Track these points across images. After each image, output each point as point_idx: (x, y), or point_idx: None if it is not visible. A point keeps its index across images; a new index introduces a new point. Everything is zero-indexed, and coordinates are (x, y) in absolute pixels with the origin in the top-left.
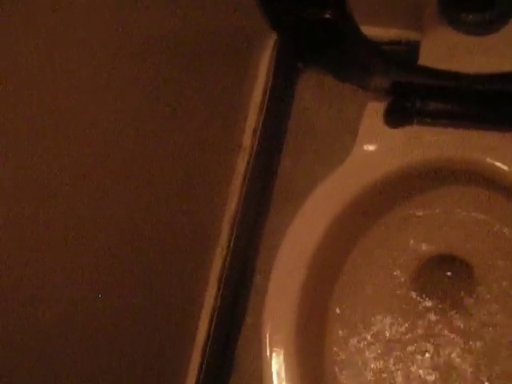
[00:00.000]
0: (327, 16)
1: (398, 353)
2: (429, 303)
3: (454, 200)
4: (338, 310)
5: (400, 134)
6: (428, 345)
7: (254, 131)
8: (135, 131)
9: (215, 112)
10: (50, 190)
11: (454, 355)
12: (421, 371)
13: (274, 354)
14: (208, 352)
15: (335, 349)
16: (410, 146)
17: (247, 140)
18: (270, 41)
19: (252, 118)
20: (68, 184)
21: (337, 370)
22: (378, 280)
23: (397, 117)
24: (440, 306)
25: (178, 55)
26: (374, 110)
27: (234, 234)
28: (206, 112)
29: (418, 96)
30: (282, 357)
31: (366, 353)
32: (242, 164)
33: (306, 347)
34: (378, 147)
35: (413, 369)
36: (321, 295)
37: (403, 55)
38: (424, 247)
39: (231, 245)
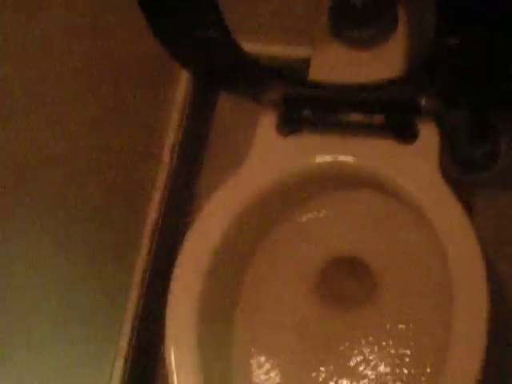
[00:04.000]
0: (211, 35)
1: (301, 361)
2: (330, 308)
3: (348, 203)
4: (240, 317)
5: (290, 143)
6: (330, 353)
7: (173, 147)
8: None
9: (136, 127)
10: None
11: (358, 360)
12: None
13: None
14: None
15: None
16: (299, 153)
17: (166, 155)
18: None
19: (171, 134)
20: None
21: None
22: (280, 286)
23: (287, 126)
24: (342, 311)
25: (113, 77)
26: (267, 120)
27: (153, 251)
28: (127, 127)
29: (306, 106)
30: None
31: (269, 362)
32: (161, 178)
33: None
34: (270, 155)
35: (318, 377)
36: (222, 302)
37: (295, 69)
38: (323, 251)
39: (151, 262)
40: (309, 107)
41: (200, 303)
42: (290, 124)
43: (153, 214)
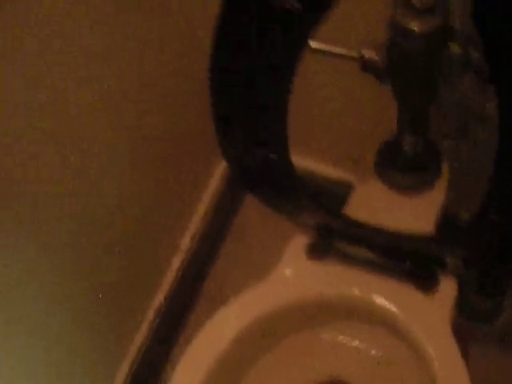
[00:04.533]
0: (271, 156)
1: None
2: None
3: (354, 333)
4: None
5: (317, 267)
6: None
7: (193, 236)
8: None
9: (162, 205)
10: None
11: None
12: None
13: None
14: None
15: None
16: (323, 280)
17: (186, 243)
18: None
19: (194, 224)
20: None
21: None
22: None
23: (316, 250)
24: None
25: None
26: (299, 240)
27: (155, 328)
28: (153, 202)
29: (339, 237)
30: None
31: None
32: (176, 263)
33: None
34: (295, 274)
35: None
36: None
37: (333, 197)
38: (316, 371)
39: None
40: (341, 238)
41: None
42: (320, 249)
43: (159, 298)
